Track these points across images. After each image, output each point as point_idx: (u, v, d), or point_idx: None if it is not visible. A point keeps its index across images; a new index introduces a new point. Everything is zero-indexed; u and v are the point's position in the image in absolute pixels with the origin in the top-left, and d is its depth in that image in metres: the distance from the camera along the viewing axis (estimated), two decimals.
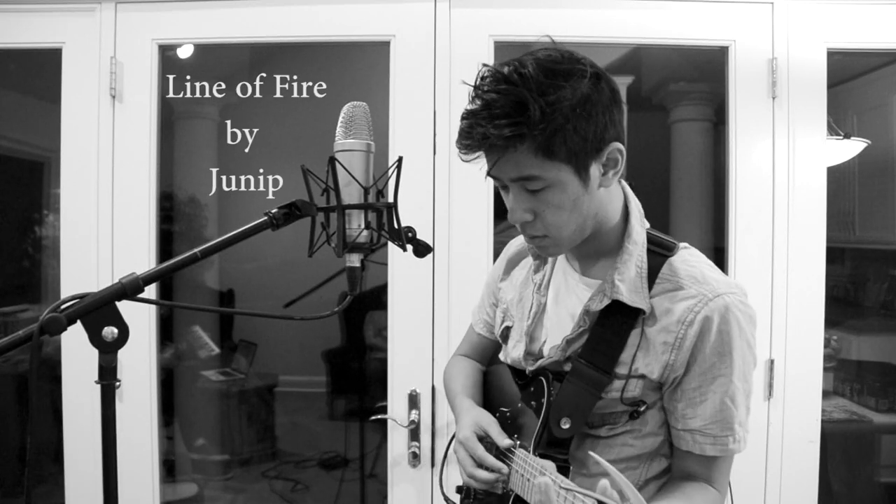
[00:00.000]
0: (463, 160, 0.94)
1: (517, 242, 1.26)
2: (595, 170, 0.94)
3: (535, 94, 0.87)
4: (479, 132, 0.88)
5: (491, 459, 1.05)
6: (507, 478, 1.05)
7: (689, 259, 1.02)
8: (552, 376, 1.03)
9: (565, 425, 0.99)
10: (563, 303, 1.09)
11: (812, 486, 1.89)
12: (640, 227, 1.04)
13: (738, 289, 0.99)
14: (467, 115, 0.91)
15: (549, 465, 0.97)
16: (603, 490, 0.75)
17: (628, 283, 0.99)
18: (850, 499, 2.54)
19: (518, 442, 1.07)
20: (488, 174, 0.96)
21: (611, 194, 1.01)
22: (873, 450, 2.58)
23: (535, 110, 0.86)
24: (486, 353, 1.35)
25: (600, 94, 0.92)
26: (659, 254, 1.02)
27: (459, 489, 1.24)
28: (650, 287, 0.99)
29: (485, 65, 0.93)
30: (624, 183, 1.06)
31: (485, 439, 1.09)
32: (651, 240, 1.03)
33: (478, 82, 0.92)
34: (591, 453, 0.89)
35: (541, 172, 0.91)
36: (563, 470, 1.00)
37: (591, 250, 1.06)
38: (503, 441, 1.05)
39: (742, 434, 0.99)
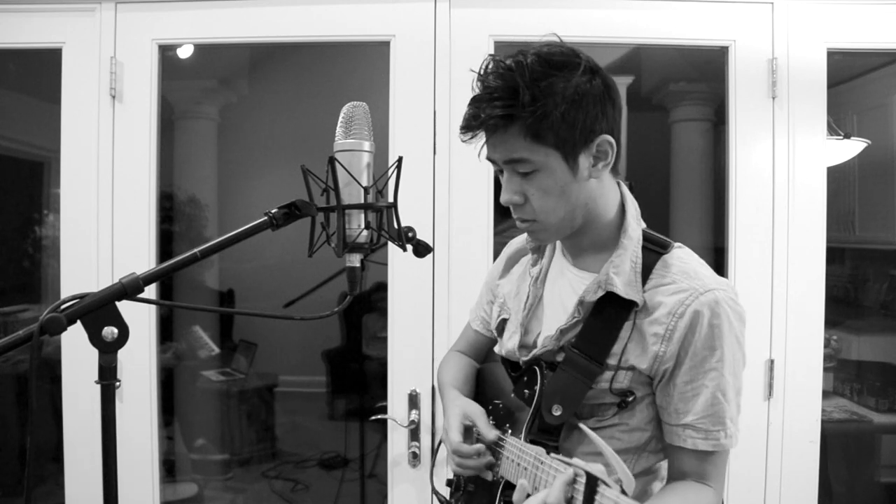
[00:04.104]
0: (462, 140, 1.01)
1: (517, 241, 1.29)
2: (584, 160, 0.99)
3: (528, 80, 0.94)
4: (476, 113, 0.97)
5: (466, 447, 1.08)
6: (497, 465, 1.08)
7: (682, 257, 1.05)
8: (545, 365, 1.06)
9: (556, 412, 1.01)
10: (558, 295, 1.12)
11: (812, 486, 1.89)
12: (636, 224, 1.07)
13: (729, 287, 1.01)
14: (471, 102, 0.99)
15: (540, 451, 0.99)
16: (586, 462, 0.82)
17: (623, 277, 1.02)
18: (850, 499, 2.53)
19: (509, 430, 1.10)
20: (487, 157, 1.03)
21: (603, 188, 1.04)
22: (873, 450, 2.58)
23: (526, 94, 0.93)
24: (482, 350, 1.38)
25: (592, 87, 0.97)
26: (654, 251, 1.05)
27: (449, 482, 1.26)
28: (644, 282, 1.02)
29: (490, 55, 0.99)
30: (622, 182, 1.10)
31: (472, 429, 1.13)
32: (647, 237, 1.06)
33: (482, 72, 0.99)
34: (581, 424, 0.96)
35: (529, 155, 0.97)
36: None
37: (585, 243, 1.09)
38: (489, 434, 1.09)
39: (733, 430, 1.00)
